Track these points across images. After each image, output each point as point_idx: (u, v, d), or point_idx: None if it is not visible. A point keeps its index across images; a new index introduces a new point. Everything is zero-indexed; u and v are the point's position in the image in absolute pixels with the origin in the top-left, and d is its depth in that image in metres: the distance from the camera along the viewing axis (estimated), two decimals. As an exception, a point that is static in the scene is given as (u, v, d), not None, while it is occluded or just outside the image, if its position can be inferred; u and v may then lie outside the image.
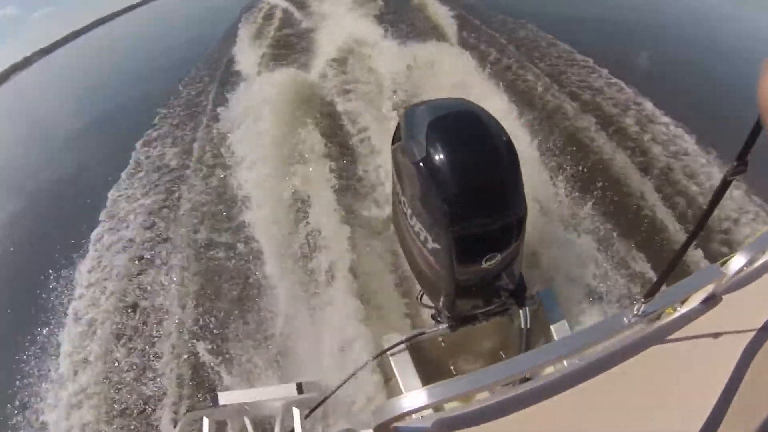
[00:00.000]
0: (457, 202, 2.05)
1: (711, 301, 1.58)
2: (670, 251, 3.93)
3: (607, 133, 5.44)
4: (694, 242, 1.42)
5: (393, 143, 2.54)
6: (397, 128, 2.48)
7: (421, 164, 2.13)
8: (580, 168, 4.74)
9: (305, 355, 3.37)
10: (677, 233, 4.12)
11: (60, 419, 3.92)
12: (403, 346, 2.66)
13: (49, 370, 4.34)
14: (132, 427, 3.79)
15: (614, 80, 6.64)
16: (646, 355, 1.48)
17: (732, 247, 3.77)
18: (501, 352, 2.93)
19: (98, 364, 4.26)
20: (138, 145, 7.52)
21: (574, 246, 3.80)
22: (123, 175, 6.76)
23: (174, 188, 6.12)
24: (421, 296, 2.72)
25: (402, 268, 3.74)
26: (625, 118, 5.73)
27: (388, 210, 4.31)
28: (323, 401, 2.48)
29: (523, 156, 2.27)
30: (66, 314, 4.80)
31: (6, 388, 4.26)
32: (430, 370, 2.74)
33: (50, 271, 5.17)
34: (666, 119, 5.57)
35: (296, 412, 1.99)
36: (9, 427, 4.04)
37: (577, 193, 4.40)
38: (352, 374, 2.61)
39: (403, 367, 2.64)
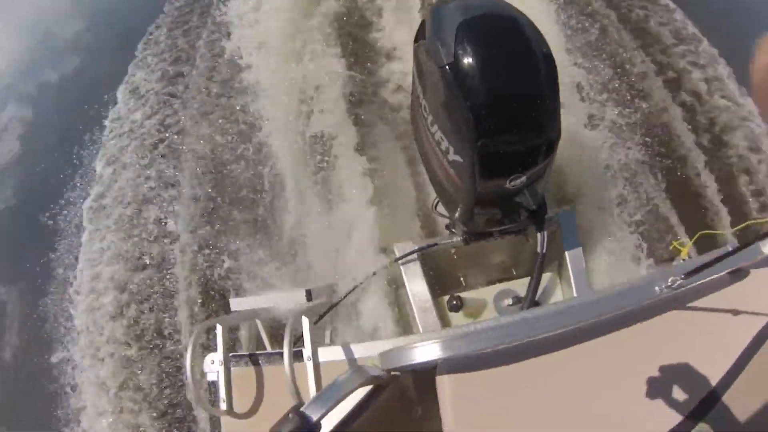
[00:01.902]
0: (485, 116, 1.89)
1: (737, 274, 1.51)
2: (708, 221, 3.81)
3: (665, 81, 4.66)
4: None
5: (416, 41, 2.33)
6: (422, 25, 2.27)
7: (448, 69, 1.94)
8: (625, 110, 4.28)
9: (316, 260, 3.34)
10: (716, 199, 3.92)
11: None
12: (414, 255, 2.61)
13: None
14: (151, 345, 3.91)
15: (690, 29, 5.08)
16: (661, 318, 1.44)
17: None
18: (513, 270, 2.88)
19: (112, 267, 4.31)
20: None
21: (604, 180, 3.62)
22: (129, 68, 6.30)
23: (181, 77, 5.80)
24: (436, 204, 2.62)
25: (420, 175, 3.61)
26: (694, 70, 4.68)
27: (405, 111, 4.14)
28: (331, 308, 2.48)
29: (563, 80, 2.08)
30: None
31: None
32: (439, 280, 2.71)
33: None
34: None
35: (305, 320, 1.97)
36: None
37: (616, 136, 4.05)
38: (361, 282, 2.59)
39: (413, 277, 2.61)
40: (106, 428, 3.86)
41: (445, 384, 1.35)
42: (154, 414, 3.77)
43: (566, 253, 2.69)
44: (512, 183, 2.06)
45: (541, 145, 2.02)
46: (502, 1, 2.18)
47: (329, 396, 1.21)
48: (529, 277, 2.59)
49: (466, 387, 1.35)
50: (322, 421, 1.20)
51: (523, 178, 2.06)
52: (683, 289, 1.38)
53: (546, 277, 2.75)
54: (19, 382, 4.52)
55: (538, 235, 2.50)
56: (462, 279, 2.86)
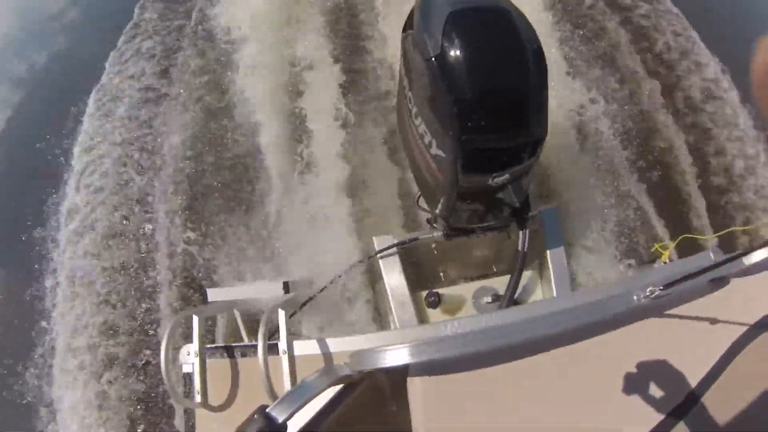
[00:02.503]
0: (470, 111, 1.84)
1: (718, 282, 1.49)
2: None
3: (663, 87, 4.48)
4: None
5: (404, 30, 2.27)
6: (411, 15, 2.21)
7: (434, 61, 1.89)
8: (613, 108, 4.20)
9: (295, 251, 3.30)
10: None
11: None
12: (394, 249, 2.58)
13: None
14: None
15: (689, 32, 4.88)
16: (638, 324, 1.42)
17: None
18: (493, 266, 2.86)
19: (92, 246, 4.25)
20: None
21: (588, 179, 3.63)
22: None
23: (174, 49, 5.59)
24: (419, 198, 2.59)
25: (404, 167, 3.57)
26: (689, 76, 4.52)
27: (391, 101, 4.08)
28: (308, 301, 2.46)
29: (552, 76, 2.03)
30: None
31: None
32: (418, 275, 2.69)
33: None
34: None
35: (281, 312, 1.94)
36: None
37: (608, 138, 4.00)
38: (339, 275, 2.55)
39: (391, 271, 2.58)
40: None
41: (416, 386, 1.33)
42: (130, 407, 3.73)
43: (548, 251, 2.68)
44: (495, 180, 2.03)
45: (526, 144, 1.98)
46: None
47: (297, 396, 1.17)
48: (510, 275, 2.58)
49: (437, 389, 1.33)
50: (291, 421, 1.18)
51: (507, 176, 2.03)
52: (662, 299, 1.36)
53: (526, 275, 2.73)
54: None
55: (520, 233, 2.48)
56: (441, 274, 2.83)
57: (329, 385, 1.27)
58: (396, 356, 1.24)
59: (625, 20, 4.90)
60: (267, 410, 1.09)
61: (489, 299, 2.61)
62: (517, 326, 1.29)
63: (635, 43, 4.74)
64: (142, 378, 3.67)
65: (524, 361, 1.36)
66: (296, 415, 1.19)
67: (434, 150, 2.02)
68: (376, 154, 3.78)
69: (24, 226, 4.58)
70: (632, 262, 3.33)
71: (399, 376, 1.42)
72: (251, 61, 4.61)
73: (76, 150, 4.92)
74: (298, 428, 1.45)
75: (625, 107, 4.21)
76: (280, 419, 1.10)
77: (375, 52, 4.59)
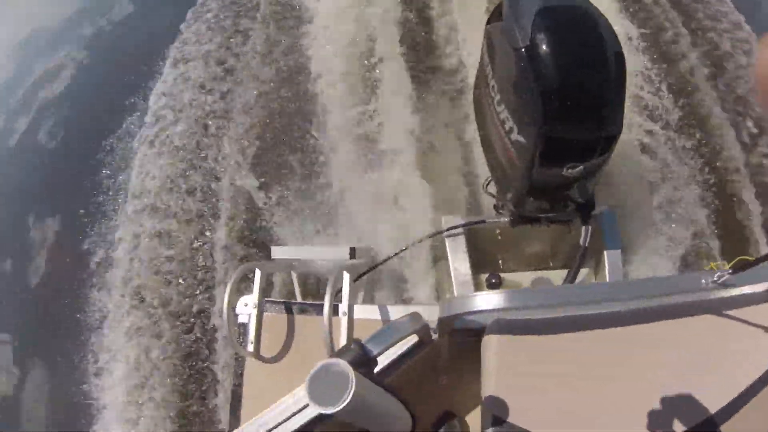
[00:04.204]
0: (555, 100, 1.93)
1: None
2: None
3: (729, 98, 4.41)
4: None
5: (489, 22, 2.39)
6: (498, 7, 2.31)
7: (523, 51, 1.99)
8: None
9: (360, 222, 3.40)
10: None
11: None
12: (460, 229, 2.67)
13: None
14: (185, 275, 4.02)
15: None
16: (696, 319, 1.45)
17: None
18: (550, 260, 2.93)
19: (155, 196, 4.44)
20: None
21: (649, 188, 3.62)
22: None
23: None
24: (488, 184, 2.68)
25: (471, 151, 3.65)
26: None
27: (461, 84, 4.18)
28: (373, 268, 2.55)
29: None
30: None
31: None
32: (479, 258, 2.76)
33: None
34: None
35: (346, 275, 2.03)
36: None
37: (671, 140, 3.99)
38: (405, 248, 2.64)
39: (456, 250, 2.66)
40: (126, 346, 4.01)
41: (492, 344, 1.41)
42: (178, 353, 3.89)
43: (605, 252, 2.73)
44: (569, 171, 2.10)
45: (602, 138, 2.05)
46: None
47: (388, 335, 1.27)
48: (565, 270, 2.64)
49: (511, 350, 1.41)
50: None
51: (580, 168, 2.10)
52: (725, 291, 1.41)
53: (582, 272, 2.76)
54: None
55: (583, 228, 2.53)
56: (500, 261, 2.90)
57: (412, 332, 1.36)
58: (488, 301, 1.31)
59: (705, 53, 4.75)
60: (363, 342, 1.18)
61: None
62: (595, 289, 1.36)
63: (710, 70, 4.64)
64: (193, 322, 3.87)
65: (591, 334, 1.42)
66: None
67: (514, 136, 2.11)
68: (443, 136, 3.85)
69: (92, 182, 4.83)
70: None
71: (461, 345, 1.51)
72: (325, 25, 4.76)
73: (152, 98, 5.13)
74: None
75: (690, 126, 4.19)
76: (374, 352, 1.19)
77: (447, 38, 4.65)
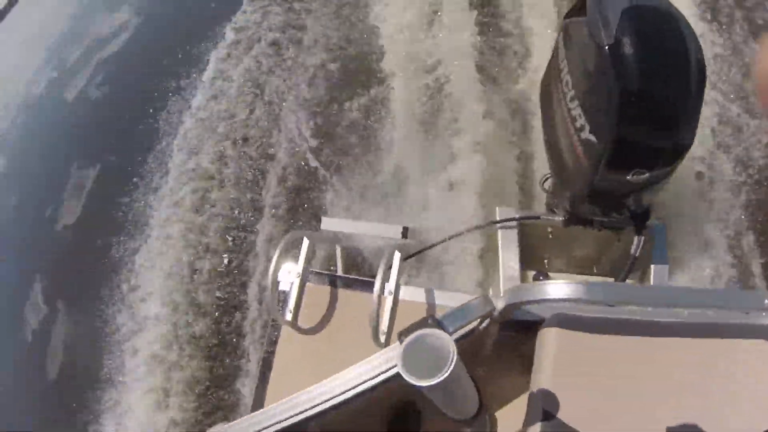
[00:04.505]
0: (634, 103, 1.90)
1: None
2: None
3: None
4: None
5: (568, 16, 2.34)
6: (581, 2, 2.27)
7: (607, 49, 1.95)
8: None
9: (413, 202, 3.39)
10: None
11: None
12: (514, 222, 2.65)
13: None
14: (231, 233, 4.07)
15: None
16: (745, 343, 1.41)
17: None
18: (593, 266, 2.89)
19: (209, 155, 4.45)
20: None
21: (703, 208, 3.53)
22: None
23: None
24: (545, 181, 2.65)
25: (530, 145, 3.61)
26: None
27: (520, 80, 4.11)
28: (424, 250, 2.54)
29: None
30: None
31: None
32: (526, 255, 2.74)
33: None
34: None
35: (397, 254, 2.01)
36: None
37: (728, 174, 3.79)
38: (457, 234, 2.63)
39: (508, 243, 2.64)
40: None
41: (551, 337, 1.40)
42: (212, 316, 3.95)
43: (652, 266, 2.69)
44: (634, 177, 2.07)
45: (673, 148, 2.02)
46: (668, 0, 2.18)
47: (462, 314, 1.26)
48: (608, 278, 2.62)
49: (568, 346, 1.40)
50: None
51: (646, 176, 2.06)
52: None
53: (627, 282, 2.75)
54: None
55: (635, 237, 2.50)
56: (545, 260, 2.88)
57: (483, 315, 1.35)
58: (560, 289, 1.29)
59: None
60: (440, 318, 1.17)
61: None
62: (672, 293, 1.33)
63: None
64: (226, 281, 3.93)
65: (648, 340, 1.40)
66: None
67: (585, 134, 2.07)
68: (504, 128, 3.81)
69: (142, 137, 4.89)
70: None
71: (523, 328, 1.49)
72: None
73: (211, 61, 5.16)
74: None
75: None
76: (450, 329, 1.17)
77: (518, 31, 4.58)
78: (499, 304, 1.37)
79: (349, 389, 1.35)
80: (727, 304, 1.40)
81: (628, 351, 1.42)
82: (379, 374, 1.30)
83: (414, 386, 1.03)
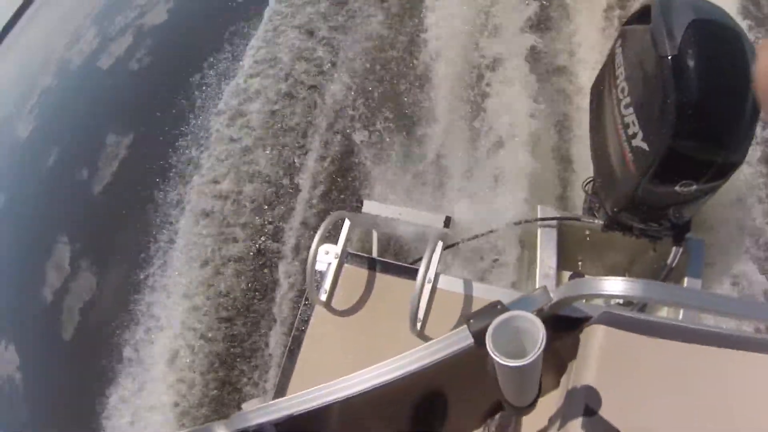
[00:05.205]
0: (691, 116, 1.91)
1: None
2: None
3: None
4: None
5: (628, 23, 2.35)
6: (644, 10, 2.26)
7: (670, 60, 1.96)
8: None
9: (455, 194, 3.42)
10: None
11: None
12: (554, 222, 2.67)
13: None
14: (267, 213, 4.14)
15: None
16: None
17: None
18: (626, 273, 2.90)
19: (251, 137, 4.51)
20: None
21: (743, 221, 3.40)
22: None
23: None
24: (588, 183, 2.67)
25: (574, 146, 3.62)
26: None
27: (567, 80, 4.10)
28: (464, 241, 2.55)
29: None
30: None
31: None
32: (562, 255, 2.76)
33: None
34: None
35: (440, 243, 2.00)
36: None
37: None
38: (497, 229, 2.65)
39: (547, 242, 2.66)
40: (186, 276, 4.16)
41: (599, 334, 1.42)
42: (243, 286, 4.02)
43: (686, 278, 2.69)
44: (681, 188, 2.08)
45: (724, 163, 2.02)
46: (731, 16, 2.16)
47: (525, 304, 1.27)
48: None
49: (615, 344, 1.41)
50: None
51: (693, 188, 2.08)
52: None
53: (659, 294, 2.75)
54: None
55: (673, 248, 2.53)
56: (580, 262, 2.90)
57: (541, 306, 1.37)
58: (617, 286, 1.31)
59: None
60: (508, 305, 1.17)
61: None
62: (732, 304, 1.34)
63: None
64: (260, 262, 4.00)
65: (696, 348, 1.39)
66: None
67: (636, 142, 2.09)
68: (549, 127, 3.81)
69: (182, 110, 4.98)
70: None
71: (567, 325, 1.51)
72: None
73: (253, 40, 5.22)
74: None
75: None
76: None
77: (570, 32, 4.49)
78: (555, 297, 1.39)
79: (415, 368, 1.36)
80: None
81: (674, 356, 1.41)
82: (450, 354, 1.30)
83: (496, 366, 1.04)
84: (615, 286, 1.29)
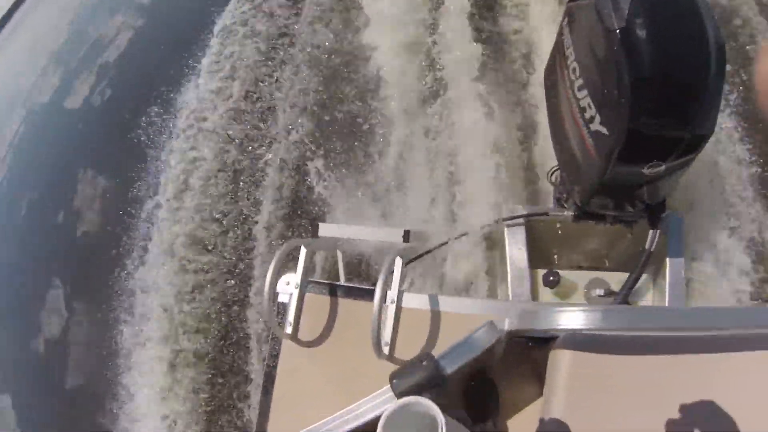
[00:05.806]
0: (646, 91, 1.76)
1: None
2: None
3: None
4: None
5: None
6: None
7: (618, 34, 1.80)
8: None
9: (413, 203, 3.28)
10: None
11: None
12: (521, 220, 2.53)
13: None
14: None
15: None
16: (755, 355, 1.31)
17: None
18: (605, 260, 2.76)
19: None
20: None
21: (719, 188, 3.35)
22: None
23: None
24: (552, 173, 2.53)
25: (535, 135, 3.47)
26: None
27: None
28: (425, 254, 2.43)
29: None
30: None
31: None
32: (534, 252, 2.63)
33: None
34: None
35: (399, 261, 1.90)
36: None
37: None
38: (461, 234, 2.53)
39: (515, 241, 2.53)
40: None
41: (565, 359, 1.29)
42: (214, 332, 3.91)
43: (668, 259, 2.56)
44: (649, 170, 1.94)
45: (691, 138, 1.87)
46: None
47: (464, 351, 1.15)
48: (621, 272, 2.52)
49: (582, 368, 1.30)
50: None
51: (662, 167, 1.93)
52: None
53: (642, 277, 2.63)
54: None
55: (651, 231, 2.38)
56: (555, 256, 2.76)
57: (490, 344, 1.24)
58: (572, 318, 1.19)
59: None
60: (437, 358, 1.06)
61: (601, 292, 2.53)
62: (684, 315, 1.23)
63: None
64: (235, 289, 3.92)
65: (663, 358, 1.30)
66: None
67: (595, 126, 1.94)
68: (506, 120, 3.65)
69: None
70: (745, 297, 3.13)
71: (534, 344, 1.39)
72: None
73: (204, 61, 5.16)
74: None
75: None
76: (448, 371, 1.07)
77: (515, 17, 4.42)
78: (505, 329, 1.26)
79: None
80: (749, 323, 1.30)
81: (647, 369, 1.32)
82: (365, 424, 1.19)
83: None
84: (565, 318, 1.16)
